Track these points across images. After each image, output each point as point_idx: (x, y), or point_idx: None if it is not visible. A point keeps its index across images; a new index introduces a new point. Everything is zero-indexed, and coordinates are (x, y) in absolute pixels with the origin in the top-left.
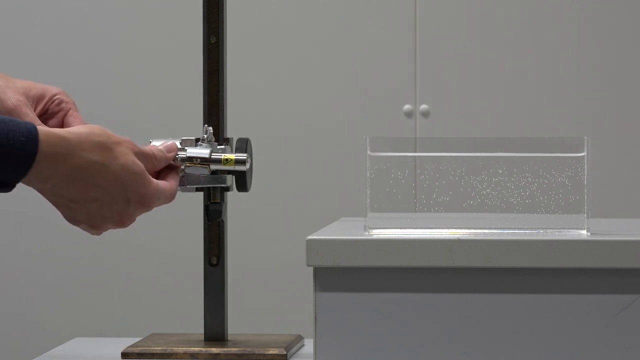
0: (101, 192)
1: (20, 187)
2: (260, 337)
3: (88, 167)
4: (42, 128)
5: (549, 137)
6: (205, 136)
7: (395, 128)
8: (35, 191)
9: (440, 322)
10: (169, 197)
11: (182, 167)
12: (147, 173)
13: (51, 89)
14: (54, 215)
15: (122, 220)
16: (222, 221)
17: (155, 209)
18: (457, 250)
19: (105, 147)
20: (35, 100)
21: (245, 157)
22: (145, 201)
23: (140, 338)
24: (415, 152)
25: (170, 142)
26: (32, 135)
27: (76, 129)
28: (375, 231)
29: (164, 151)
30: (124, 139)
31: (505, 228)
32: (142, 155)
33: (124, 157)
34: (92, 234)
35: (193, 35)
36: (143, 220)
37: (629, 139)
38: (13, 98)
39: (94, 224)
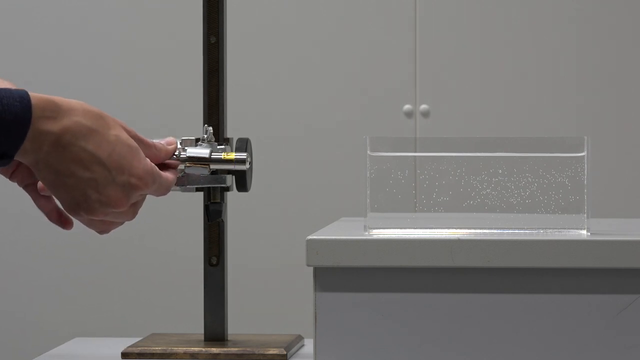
0: (95, 162)
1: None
2: (260, 337)
3: (79, 130)
4: (32, 93)
5: (549, 137)
6: (205, 136)
7: (395, 128)
8: None
9: (440, 322)
10: (166, 186)
11: (182, 167)
12: (140, 150)
13: None
14: None
15: (119, 199)
16: (222, 221)
17: (154, 208)
18: (457, 250)
19: (98, 115)
20: None
21: (245, 157)
22: (142, 175)
23: (140, 338)
24: (415, 152)
25: (169, 138)
26: (25, 100)
27: (68, 99)
28: (375, 231)
29: (165, 144)
30: (119, 120)
31: (505, 228)
32: (141, 142)
33: (117, 129)
34: (96, 228)
35: (193, 35)
36: (143, 219)
37: (629, 139)
38: None
39: (92, 205)
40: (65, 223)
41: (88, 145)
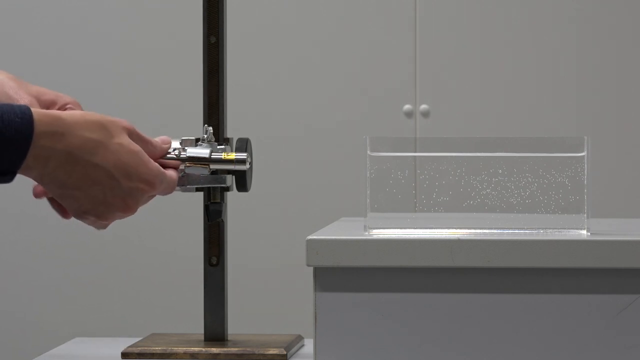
0: (102, 174)
1: (19, 184)
2: (260, 337)
3: (85, 144)
4: (35, 109)
5: (549, 137)
6: (205, 136)
7: (395, 128)
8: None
9: (440, 322)
10: (171, 184)
11: (182, 167)
12: (144, 153)
13: (64, 97)
14: (54, 214)
15: (129, 205)
16: (222, 221)
17: (155, 208)
18: (457, 250)
19: (101, 125)
20: (47, 105)
21: (245, 157)
22: (149, 179)
23: (140, 338)
24: (415, 152)
25: (163, 136)
26: (26, 116)
27: (70, 111)
28: (375, 231)
29: (160, 142)
30: (119, 119)
31: (505, 228)
32: (139, 138)
33: (119, 136)
34: (100, 227)
35: (193, 35)
36: (143, 219)
37: (629, 139)
38: (26, 99)
39: (100, 213)
40: (64, 212)
41: (94, 158)
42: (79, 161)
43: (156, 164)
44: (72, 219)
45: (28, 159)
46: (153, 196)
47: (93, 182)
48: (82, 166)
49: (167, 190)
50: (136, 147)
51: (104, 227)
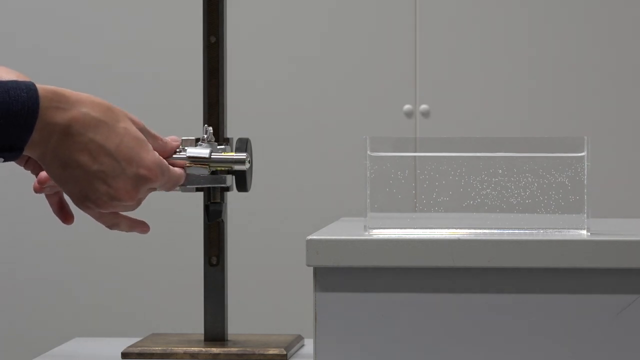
0: (104, 155)
1: (20, 183)
2: (260, 337)
3: (88, 121)
4: (39, 85)
5: (549, 137)
6: (205, 136)
7: (395, 128)
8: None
9: (440, 322)
10: (175, 179)
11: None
12: (148, 143)
13: None
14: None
15: (129, 192)
16: (222, 221)
17: (155, 208)
18: (457, 250)
19: (107, 107)
20: None
21: (245, 157)
22: (151, 167)
23: (140, 338)
24: (415, 152)
25: (172, 136)
26: (31, 90)
27: (75, 91)
28: (375, 231)
29: (169, 141)
30: (127, 112)
31: (505, 228)
32: (149, 135)
33: (126, 122)
34: (106, 222)
35: (193, 35)
36: (144, 219)
37: (629, 139)
38: None
39: (100, 199)
40: (65, 218)
41: (96, 136)
42: (80, 135)
43: (157, 154)
44: (74, 222)
45: (34, 135)
46: (153, 189)
47: (94, 160)
48: (83, 142)
49: (169, 185)
50: (141, 135)
51: (116, 225)
